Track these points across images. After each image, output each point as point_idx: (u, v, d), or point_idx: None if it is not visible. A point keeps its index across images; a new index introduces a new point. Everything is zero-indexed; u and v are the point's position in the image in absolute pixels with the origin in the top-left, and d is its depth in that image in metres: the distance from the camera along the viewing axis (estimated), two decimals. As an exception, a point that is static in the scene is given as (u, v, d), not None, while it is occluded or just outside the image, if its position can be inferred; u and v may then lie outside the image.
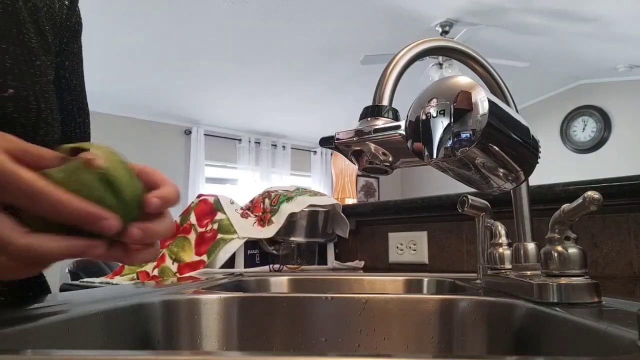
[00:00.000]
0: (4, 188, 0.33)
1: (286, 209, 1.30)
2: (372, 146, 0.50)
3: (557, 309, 0.45)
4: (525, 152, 0.45)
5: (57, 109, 0.59)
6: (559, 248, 0.51)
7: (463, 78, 0.42)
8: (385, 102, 0.51)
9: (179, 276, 1.16)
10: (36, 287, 0.63)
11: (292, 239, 1.32)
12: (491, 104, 0.40)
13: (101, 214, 0.34)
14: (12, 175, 0.33)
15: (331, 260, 1.40)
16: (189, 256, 1.22)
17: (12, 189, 0.33)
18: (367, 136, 0.49)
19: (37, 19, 0.59)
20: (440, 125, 0.41)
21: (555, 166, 5.11)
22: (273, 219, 1.31)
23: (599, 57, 4.65)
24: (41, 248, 0.34)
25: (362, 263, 1.37)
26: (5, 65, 0.52)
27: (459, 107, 0.40)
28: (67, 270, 3.66)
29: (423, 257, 1.23)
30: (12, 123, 0.51)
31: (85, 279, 1.31)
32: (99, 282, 1.19)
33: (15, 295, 0.58)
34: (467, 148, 0.40)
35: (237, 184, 5.84)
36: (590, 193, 0.46)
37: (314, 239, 1.36)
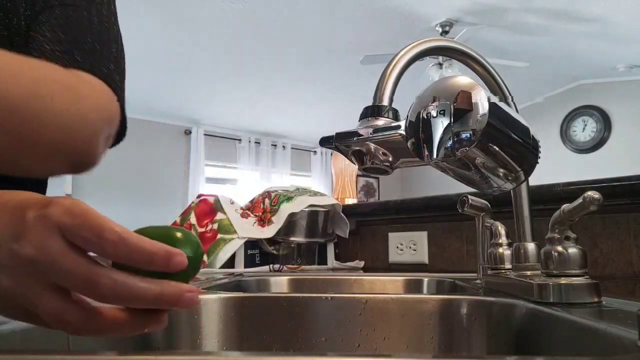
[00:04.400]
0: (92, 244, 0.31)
1: (286, 209, 1.30)
2: (372, 146, 0.50)
3: (557, 309, 0.45)
4: (525, 152, 0.45)
5: None
6: (559, 248, 0.51)
7: (463, 78, 0.42)
8: (385, 102, 0.51)
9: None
10: None
11: (292, 239, 1.32)
12: (491, 104, 0.40)
13: (174, 250, 0.33)
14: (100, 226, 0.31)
15: (331, 260, 1.40)
16: (189, 256, 1.22)
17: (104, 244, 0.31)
18: (367, 136, 0.49)
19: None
20: (440, 125, 0.41)
21: (555, 166, 5.11)
22: (273, 219, 1.31)
23: (599, 57, 4.65)
24: (134, 287, 0.32)
25: (362, 263, 1.37)
26: None
27: (459, 107, 0.40)
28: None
29: (423, 257, 1.23)
30: None
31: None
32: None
33: None
34: (467, 148, 0.40)
35: (237, 184, 5.84)
36: (590, 193, 0.46)
37: (314, 239, 1.36)
